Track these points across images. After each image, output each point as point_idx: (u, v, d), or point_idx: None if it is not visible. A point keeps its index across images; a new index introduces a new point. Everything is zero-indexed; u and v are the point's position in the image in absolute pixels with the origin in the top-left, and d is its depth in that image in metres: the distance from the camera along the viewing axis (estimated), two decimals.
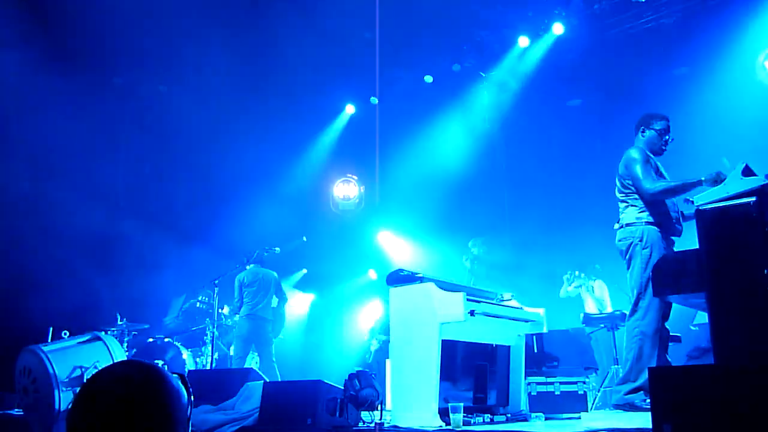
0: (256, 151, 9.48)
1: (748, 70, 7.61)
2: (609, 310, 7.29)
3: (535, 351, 5.56)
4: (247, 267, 7.85)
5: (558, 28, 8.51)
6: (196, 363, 7.58)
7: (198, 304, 8.04)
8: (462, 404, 3.73)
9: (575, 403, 4.60)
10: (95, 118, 8.54)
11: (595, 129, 8.42)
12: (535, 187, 8.98)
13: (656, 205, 4.47)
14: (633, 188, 4.54)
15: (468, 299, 3.91)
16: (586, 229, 7.41)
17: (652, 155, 4.65)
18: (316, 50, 8.84)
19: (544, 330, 4.74)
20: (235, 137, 9.42)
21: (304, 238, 10.57)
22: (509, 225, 8.89)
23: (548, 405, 4.57)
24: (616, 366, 6.02)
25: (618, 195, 4.69)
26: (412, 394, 3.95)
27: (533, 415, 4.41)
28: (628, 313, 4.52)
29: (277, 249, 7.90)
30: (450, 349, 4.11)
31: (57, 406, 4.30)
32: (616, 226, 4.62)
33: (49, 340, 5.65)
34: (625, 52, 8.32)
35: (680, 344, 5.68)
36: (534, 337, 5.54)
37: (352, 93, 10.42)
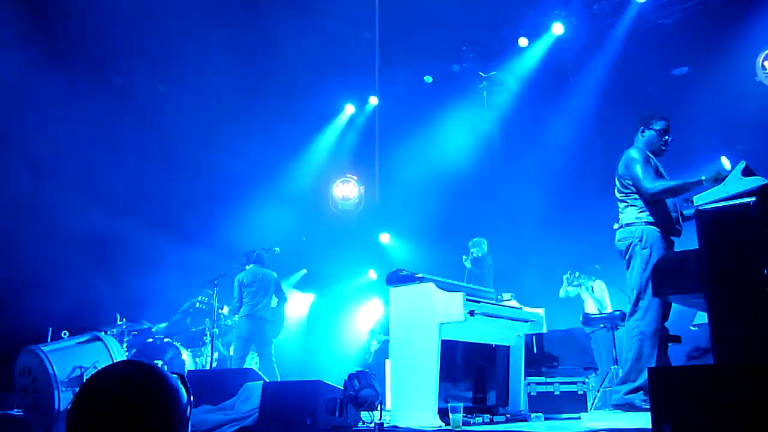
0: (256, 151, 9.49)
1: (748, 70, 7.61)
2: (609, 310, 7.28)
3: (535, 351, 5.56)
4: (247, 267, 7.85)
5: (557, 28, 8.51)
6: (195, 363, 7.58)
7: (198, 304, 8.04)
8: (462, 404, 3.73)
9: (575, 404, 4.60)
10: (95, 118, 8.55)
11: (595, 129, 8.43)
12: (535, 187, 8.98)
13: (656, 205, 4.47)
14: (633, 188, 4.54)
15: (467, 299, 3.91)
16: (586, 229, 7.41)
17: (651, 155, 4.65)
18: (316, 50, 8.84)
19: (544, 330, 4.73)
20: (234, 137, 9.43)
21: (304, 238, 10.58)
22: (509, 225, 8.89)
23: (548, 405, 4.57)
24: (615, 366, 6.02)
25: (617, 195, 4.68)
26: (412, 395, 3.95)
27: (533, 415, 4.41)
28: (627, 313, 4.52)
29: (277, 249, 7.89)
30: (450, 350, 4.11)
31: (56, 406, 4.31)
32: (616, 226, 4.62)
33: (49, 340, 5.65)
34: (625, 51, 8.32)
35: (680, 344, 5.68)
36: (534, 337, 5.54)
37: (352, 93, 10.43)
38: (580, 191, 8.11)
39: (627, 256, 4.47)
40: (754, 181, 2.88)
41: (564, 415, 4.52)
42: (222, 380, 5.11)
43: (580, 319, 6.91)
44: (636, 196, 4.53)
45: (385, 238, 10.72)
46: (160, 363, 6.86)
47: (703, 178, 3.91)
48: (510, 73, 9.35)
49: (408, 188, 9.86)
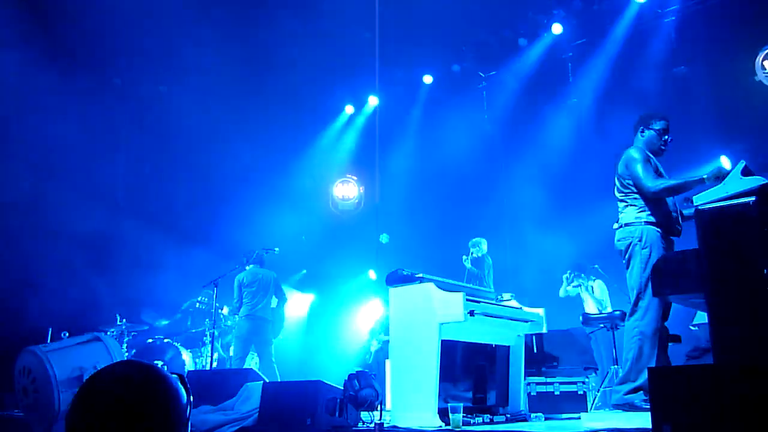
0: (256, 151, 9.49)
1: (747, 70, 7.61)
2: (609, 310, 7.28)
3: (535, 351, 5.56)
4: (247, 267, 7.85)
5: (557, 28, 8.51)
6: (195, 363, 7.58)
7: (197, 305, 8.03)
8: (461, 404, 3.73)
9: (575, 404, 4.60)
10: (95, 119, 8.55)
11: (595, 128, 8.42)
12: (535, 187, 8.98)
13: (656, 205, 4.47)
14: (632, 188, 4.54)
15: (467, 299, 3.91)
16: (586, 229, 7.41)
17: (651, 155, 4.65)
18: (316, 50, 8.85)
19: (544, 330, 4.73)
20: (234, 137, 9.42)
21: (304, 239, 10.57)
22: (509, 225, 8.89)
23: (548, 405, 4.57)
24: (615, 366, 6.02)
25: (617, 195, 4.68)
26: (412, 395, 3.95)
27: (533, 415, 4.41)
28: (627, 313, 4.52)
29: (277, 249, 7.89)
30: (450, 350, 4.11)
31: (56, 407, 4.31)
32: (615, 225, 4.62)
33: (49, 341, 5.66)
34: (625, 51, 8.32)
35: (680, 344, 5.68)
36: (533, 337, 5.54)
37: (351, 93, 10.43)
38: (580, 191, 8.11)
39: (626, 256, 4.47)
40: (754, 181, 2.88)
41: (564, 415, 4.53)
42: (222, 380, 5.10)
43: (580, 319, 6.91)
44: (636, 195, 4.53)
45: (384, 238, 10.70)
46: (160, 363, 6.86)
47: (705, 176, 3.90)
48: (510, 73, 9.35)
49: (408, 188, 9.86)
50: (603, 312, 7.22)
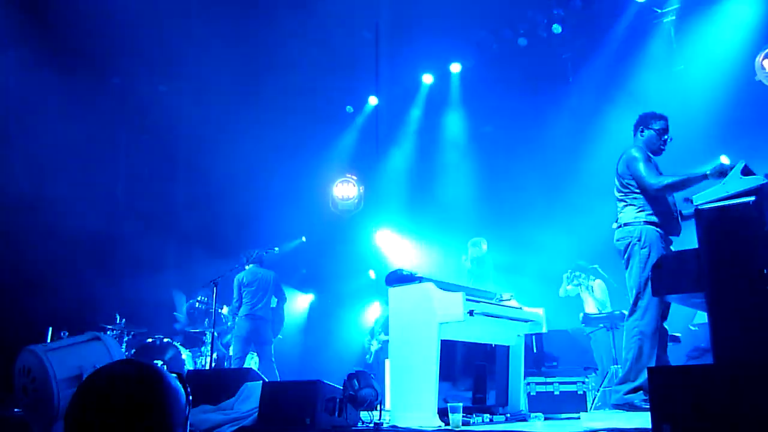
0: (256, 151, 9.48)
1: (747, 70, 7.61)
2: (609, 310, 7.28)
3: (535, 351, 5.56)
4: (246, 267, 7.85)
5: (557, 28, 8.51)
6: (195, 363, 7.58)
7: (197, 305, 8.04)
8: (461, 404, 3.72)
9: (575, 403, 4.59)
10: (94, 118, 8.54)
11: (594, 128, 8.42)
12: (534, 186, 8.98)
13: (655, 205, 4.47)
14: (632, 187, 4.54)
15: (467, 299, 3.91)
16: (586, 228, 7.41)
17: (651, 155, 4.65)
18: (316, 50, 8.85)
19: (544, 330, 4.73)
20: (234, 137, 9.42)
21: (303, 239, 10.57)
22: (509, 225, 8.88)
23: (548, 405, 4.56)
24: (615, 366, 6.02)
25: (616, 194, 4.68)
26: (412, 394, 3.94)
27: (533, 415, 4.41)
28: (627, 313, 4.52)
29: (276, 249, 7.89)
30: (449, 349, 4.11)
31: (56, 406, 4.30)
32: (615, 225, 4.62)
33: (49, 340, 5.66)
34: (624, 51, 8.32)
35: (680, 344, 5.68)
36: (533, 337, 5.53)
37: (351, 93, 10.43)
38: (580, 191, 8.11)
39: (626, 256, 4.47)
40: (754, 181, 2.88)
41: (564, 415, 4.52)
42: (221, 380, 5.10)
43: (580, 319, 6.91)
44: (635, 195, 4.53)
45: (384, 238, 10.70)
46: (159, 363, 6.85)
47: (708, 172, 3.90)
48: (510, 72, 9.34)
49: (408, 188, 9.86)
50: (603, 312, 7.23)
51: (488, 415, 4.10)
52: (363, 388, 3.93)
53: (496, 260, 8.46)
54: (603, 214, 5.18)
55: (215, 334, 7.36)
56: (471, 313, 3.89)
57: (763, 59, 7.48)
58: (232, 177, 9.73)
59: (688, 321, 6.54)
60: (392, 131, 10.05)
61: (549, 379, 4.76)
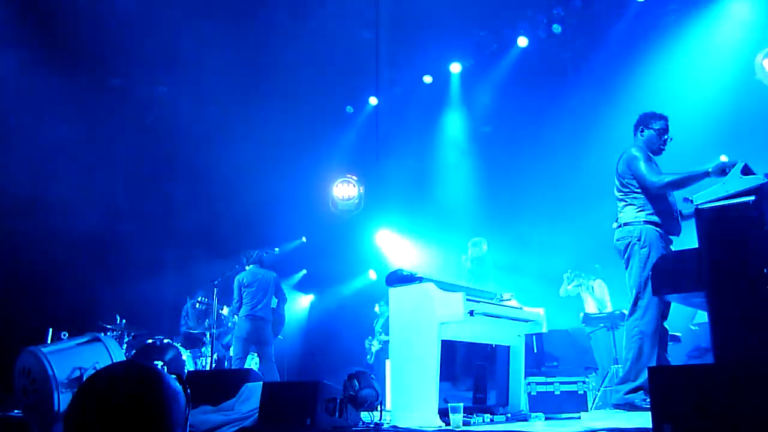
0: (256, 151, 9.48)
1: (747, 69, 7.61)
2: (609, 309, 7.28)
3: (535, 351, 5.56)
4: (247, 268, 7.85)
5: (557, 27, 8.50)
6: (195, 364, 7.58)
7: (197, 305, 8.04)
8: (462, 404, 3.72)
9: (575, 403, 4.59)
10: (94, 119, 8.55)
11: (594, 128, 8.42)
12: (534, 186, 8.98)
13: (655, 204, 4.47)
14: (632, 187, 4.54)
15: (468, 299, 3.91)
16: (586, 228, 7.41)
17: (651, 154, 4.65)
18: (316, 50, 8.84)
19: (544, 330, 4.73)
20: (234, 138, 9.42)
21: (304, 239, 10.57)
22: (508, 225, 8.89)
23: (548, 405, 4.56)
24: (615, 366, 6.02)
25: (616, 194, 4.68)
26: (412, 395, 3.94)
27: (533, 415, 4.40)
28: (627, 312, 4.52)
29: (277, 250, 7.90)
30: (450, 350, 4.11)
31: (56, 407, 4.30)
32: (615, 225, 4.62)
33: (49, 341, 5.65)
34: (624, 51, 8.32)
35: (680, 344, 5.68)
36: (534, 337, 5.53)
37: (351, 93, 10.43)
38: (580, 190, 8.11)
39: (626, 256, 4.47)
40: (753, 180, 2.88)
41: (564, 415, 4.52)
42: (222, 381, 5.10)
43: (580, 319, 6.91)
44: (635, 195, 4.53)
45: (384, 238, 10.71)
46: (160, 364, 6.86)
47: (710, 169, 3.89)
48: (509, 72, 9.34)
49: (408, 188, 9.86)
50: (603, 312, 7.23)
51: (489, 415, 4.09)
52: (363, 388, 3.93)
53: (496, 260, 8.47)
54: (603, 214, 5.18)
55: (215, 333, 7.38)
56: (471, 313, 3.89)
57: (762, 59, 7.48)
58: (232, 177, 9.72)
59: (689, 320, 6.54)
60: (392, 131, 10.05)
61: (549, 379, 4.76)
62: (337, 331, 10.40)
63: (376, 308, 9.40)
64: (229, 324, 8.09)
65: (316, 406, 3.88)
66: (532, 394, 4.65)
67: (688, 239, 3.69)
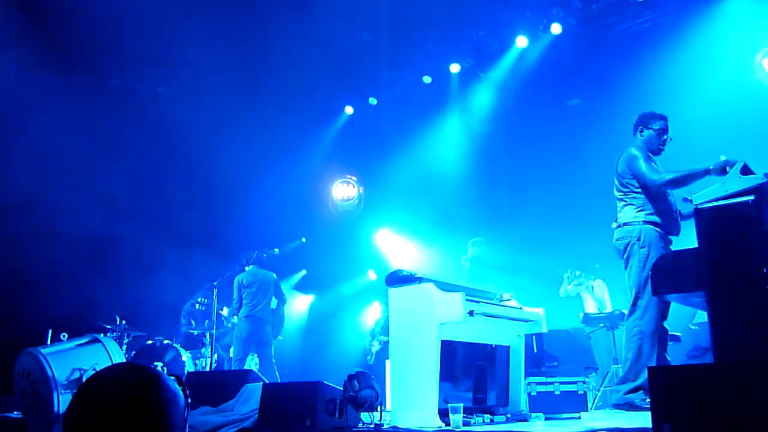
0: (255, 152, 9.48)
1: (747, 69, 7.61)
2: (609, 309, 7.28)
3: (535, 351, 5.56)
4: (246, 268, 7.85)
5: (556, 28, 8.51)
6: (195, 365, 7.57)
7: (197, 306, 8.04)
8: (462, 405, 3.72)
9: (575, 403, 4.59)
10: (93, 120, 8.54)
11: (594, 128, 8.42)
12: (534, 186, 8.98)
13: (654, 204, 4.47)
14: (631, 187, 4.55)
15: (467, 299, 3.91)
16: (586, 228, 7.41)
17: (650, 154, 4.66)
18: (316, 51, 8.84)
19: (544, 330, 4.73)
20: (233, 138, 9.42)
21: (303, 239, 10.57)
22: (508, 225, 8.88)
23: (548, 405, 4.56)
24: (615, 366, 6.02)
25: (616, 194, 4.69)
26: (412, 395, 3.94)
27: (533, 415, 4.40)
28: (627, 312, 4.52)
29: (276, 250, 7.90)
30: (449, 350, 4.11)
31: (56, 409, 4.30)
32: (614, 225, 4.62)
33: (48, 343, 5.65)
34: (624, 51, 8.32)
35: (680, 344, 5.68)
36: (534, 337, 5.53)
37: (350, 93, 10.43)
38: (580, 191, 8.11)
39: (625, 256, 4.47)
40: (753, 180, 2.88)
41: (564, 415, 4.52)
42: (222, 382, 5.10)
43: (580, 318, 6.91)
44: (634, 195, 4.53)
45: (384, 238, 10.71)
46: (159, 365, 6.85)
47: (711, 167, 3.89)
48: (509, 73, 9.34)
49: (407, 189, 9.86)
50: (603, 311, 7.23)
51: (489, 415, 4.09)
52: (363, 389, 3.93)
53: (496, 260, 8.46)
54: (603, 214, 5.18)
55: (215, 334, 7.37)
56: (471, 313, 3.89)
57: (762, 58, 7.48)
58: (231, 177, 9.72)
59: (688, 320, 6.54)
60: (392, 131, 10.05)
61: (549, 379, 4.76)
62: (337, 331, 10.39)
63: (376, 308, 9.39)
64: (229, 325, 8.08)
65: (316, 406, 3.88)
66: (532, 394, 4.65)
67: (687, 239, 3.69)
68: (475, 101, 9.93)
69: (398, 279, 4.24)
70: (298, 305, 10.65)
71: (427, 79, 9.81)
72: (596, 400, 5.65)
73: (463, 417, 3.70)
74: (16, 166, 7.80)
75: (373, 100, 10.32)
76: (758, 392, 2.10)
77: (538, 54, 8.92)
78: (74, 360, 4.51)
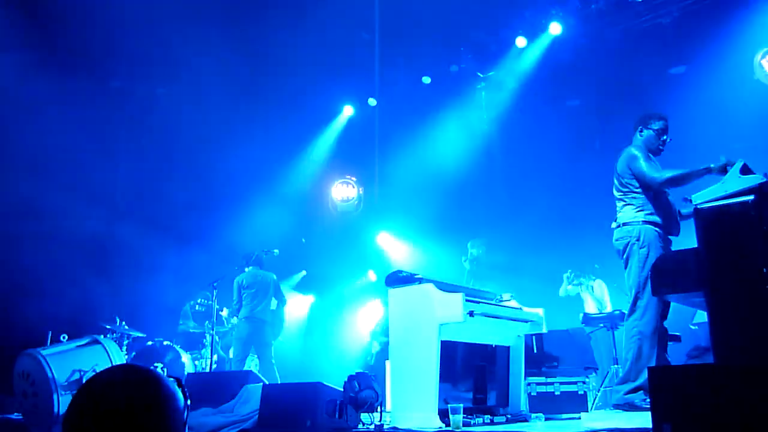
0: (255, 152, 9.48)
1: (746, 69, 7.61)
2: (609, 309, 7.28)
3: (535, 351, 5.55)
4: (246, 269, 7.85)
5: (555, 28, 8.50)
6: (195, 366, 7.57)
7: (197, 307, 8.04)
8: (462, 405, 3.72)
9: (575, 404, 4.59)
10: (93, 121, 8.54)
11: (594, 129, 8.42)
12: (534, 187, 8.96)
13: (654, 204, 4.47)
14: (631, 187, 4.55)
15: (467, 300, 3.91)
16: (586, 228, 7.40)
17: (650, 154, 4.66)
18: (315, 51, 8.84)
19: (544, 330, 4.73)
20: (233, 139, 9.42)
21: (303, 240, 10.57)
22: (508, 225, 8.87)
23: (548, 405, 4.56)
24: (615, 366, 6.01)
25: (616, 194, 4.69)
26: (412, 396, 3.94)
27: (533, 415, 4.40)
28: (626, 312, 4.52)
29: (276, 251, 7.90)
30: (449, 350, 4.11)
31: (56, 410, 4.30)
32: (614, 225, 4.62)
33: (48, 344, 5.65)
34: (623, 51, 8.31)
35: (680, 344, 5.67)
36: (533, 337, 5.53)
37: (350, 94, 10.42)
38: (579, 191, 8.11)
39: (625, 256, 4.47)
40: (753, 180, 2.88)
41: (564, 415, 4.52)
42: (222, 383, 5.10)
43: (580, 319, 6.90)
44: (634, 194, 4.53)
45: (384, 239, 10.70)
46: (159, 366, 6.86)
47: (712, 165, 3.90)
48: (508, 73, 9.34)
49: (407, 189, 9.85)
50: (603, 312, 7.22)
51: (489, 415, 4.10)
52: (363, 389, 3.93)
53: (496, 260, 8.46)
54: (603, 214, 5.18)
55: (216, 336, 7.37)
56: (471, 313, 3.89)
57: (761, 58, 7.48)
58: (231, 178, 9.72)
59: (688, 320, 6.53)
60: (391, 132, 10.04)
61: (549, 380, 4.76)
62: (337, 332, 10.39)
63: (376, 308, 9.39)
64: (229, 326, 8.08)
65: (316, 407, 3.88)
66: (532, 394, 4.65)
67: (687, 239, 3.69)
68: (474, 102, 9.93)
69: (398, 279, 4.24)
70: (298, 306, 10.64)
71: (426, 80, 9.81)
72: (596, 401, 5.65)
73: (463, 417, 3.70)
74: (16, 167, 7.80)
75: (372, 101, 10.32)
76: (758, 392, 2.10)
77: (537, 54, 8.92)
78: (74, 361, 4.51)
